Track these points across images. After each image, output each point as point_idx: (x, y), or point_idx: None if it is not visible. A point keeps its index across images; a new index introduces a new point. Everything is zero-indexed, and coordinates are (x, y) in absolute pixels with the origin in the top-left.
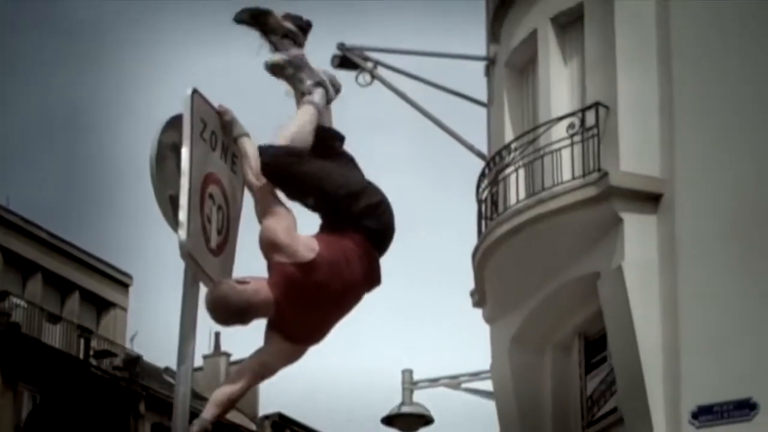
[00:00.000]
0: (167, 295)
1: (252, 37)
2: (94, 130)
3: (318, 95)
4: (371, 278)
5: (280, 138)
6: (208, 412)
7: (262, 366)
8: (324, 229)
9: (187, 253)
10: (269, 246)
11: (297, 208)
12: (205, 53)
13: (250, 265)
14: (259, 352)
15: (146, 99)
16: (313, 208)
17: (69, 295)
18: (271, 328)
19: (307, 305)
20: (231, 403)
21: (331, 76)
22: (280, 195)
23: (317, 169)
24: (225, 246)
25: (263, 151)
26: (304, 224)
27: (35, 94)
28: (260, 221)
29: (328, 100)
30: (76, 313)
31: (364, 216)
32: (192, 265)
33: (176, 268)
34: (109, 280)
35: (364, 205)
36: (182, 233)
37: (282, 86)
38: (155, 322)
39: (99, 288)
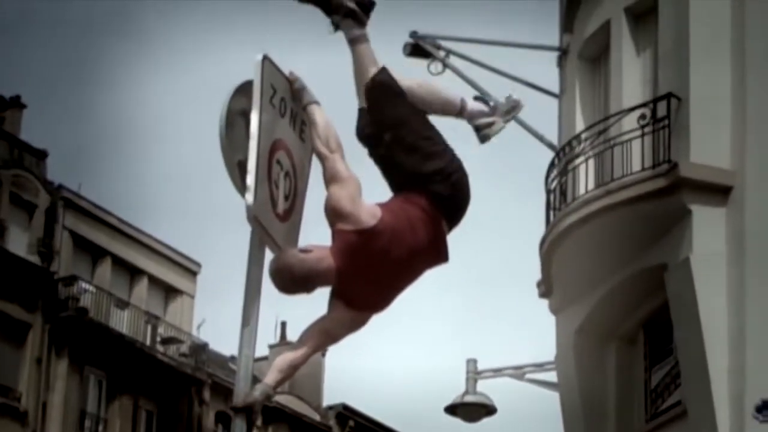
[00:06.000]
0: (235, 285)
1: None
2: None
3: (477, 106)
4: (437, 251)
5: (405, 79)
6: (270, 378)
7: (325, 333)
8: (393, 189)
9: (253, 216)
10: (333, 214)
11: (364, 178)
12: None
13: (315, 230)
14: (322, 319)
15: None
16: (387, 146)
17: (137, 281)
18: (334, 296)
19: (369, 273)
20: (293, 369)
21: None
22: (347, 162)
23: (410, 111)
24: (291, 213)
25: (382, 71)
26: (372, 193)
27: (109, 100)
28: (326, 188)
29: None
30: (144, 299)
31: (433, 180)
32: (258, 228)
33: (244, 258)
34: (177, 266)
35: (436, 167)
36: (249, 197)
37: None
38: (222, 311)
39: (167, 275)
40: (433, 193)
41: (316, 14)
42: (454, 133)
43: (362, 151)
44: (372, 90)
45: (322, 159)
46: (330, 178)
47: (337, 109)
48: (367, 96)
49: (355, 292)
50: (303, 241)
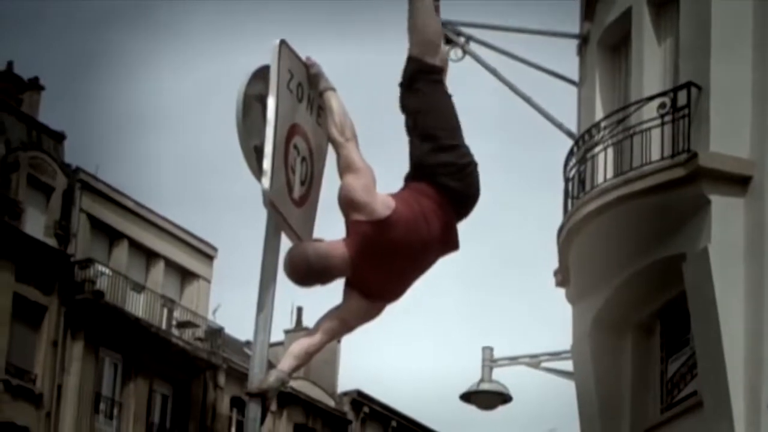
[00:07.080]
0: (251, 270)
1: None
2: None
3: None
4: (448, 241)
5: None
6: (285, 364)
7: (340, 322)
8: (407, 177)
9: (270, 201)
10: (348, 204)
11: (378, 168)
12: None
13: (333, 221)
14: (337, 308)
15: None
16: (409, 129)
17: (154, 265)
18: (349, 286)
19: (383, 263)
20: (308, 356)
21: None
22: (361, 151)
23: (438, 99)
24: (308, 198)
25: (412, 59)
26: (386, 184)
27: (127, 84)
28: (340, 177)
29: None
30: (160, 282)
31: (442, 172)
32: (274, 213)
33: (261, 243)
34: (194, 251)
35: (447, 160)
36: (266, 182)
37: None
38: (238, 296)
39: (183, 258)
40: (443, 185)
41: (332, 6)
42: (471, 127)
43: (375, 141)
44: (405, 74)
45: (336, 146)
46: (345, 168)
47: (349, 104)
48: (402, 75)
49: (369, 282)
50: (317, 230)
